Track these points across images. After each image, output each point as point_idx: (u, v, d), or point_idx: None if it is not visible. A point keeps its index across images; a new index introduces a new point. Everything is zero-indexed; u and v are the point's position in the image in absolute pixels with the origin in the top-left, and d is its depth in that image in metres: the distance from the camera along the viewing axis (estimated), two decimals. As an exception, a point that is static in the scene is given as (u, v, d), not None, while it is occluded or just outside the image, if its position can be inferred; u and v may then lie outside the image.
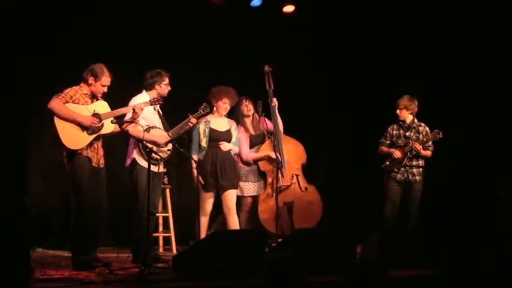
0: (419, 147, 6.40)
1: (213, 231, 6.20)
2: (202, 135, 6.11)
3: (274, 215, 6.13)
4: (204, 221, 6.09)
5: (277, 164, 6.22)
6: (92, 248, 5.30)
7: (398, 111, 6.55)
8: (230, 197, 6.09)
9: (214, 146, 6.11)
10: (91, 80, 5.27)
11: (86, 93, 5.28)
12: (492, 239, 5.74)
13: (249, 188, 6.38)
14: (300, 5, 7.47)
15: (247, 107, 6.51)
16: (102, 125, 5.26)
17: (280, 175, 6.35)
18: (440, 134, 6.39)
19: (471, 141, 7.19)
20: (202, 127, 6.12)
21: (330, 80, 7.73)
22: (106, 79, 5.29)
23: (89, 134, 5.21)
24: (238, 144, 6.29)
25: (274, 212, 6.12)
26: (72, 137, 5.14)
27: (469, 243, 5.28)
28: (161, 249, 7.04)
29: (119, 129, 5.39)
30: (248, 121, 6.53)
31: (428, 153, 6.52)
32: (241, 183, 6.34)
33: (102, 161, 5.39)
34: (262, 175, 6.48)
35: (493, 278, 3.81)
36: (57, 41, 6.82)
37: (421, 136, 6.48)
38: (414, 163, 6.49)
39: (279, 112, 6.58)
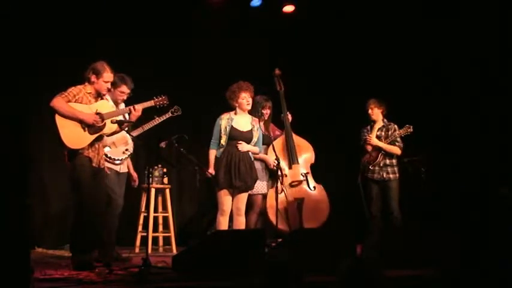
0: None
1: (213, 231, 6.18)
2: (223, 132, 5.88)
3: (281, 210, 6.22)
4: (223, 220, 5.82)
5: (278, 165, 6.18)
6: (92, 248, 5.29)
7: (370, 110, 6.70)
8: (241, 198, 5.89)
9: (233, 145, 5.87)
10: (93, 78, 5.24)
11: (90, 93, 5.26)
12: (492, 238, 5.75)
13: (258, 185, 6.20)
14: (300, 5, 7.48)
15: (267, 113, 6.53)
16: (104, 124, 5.23)
17: (288, 172, 6.54)
18: (411, 128, 6.50)
19: (471, 140, 7.20)
20: (224, 124, 5.89)
21: (327, 80, 7.73)
22: (108, 75, 5.27)
23: (91, 134, 5.18)
24: (260, 144, 6.07)
25: (282, 208, 6.23)
26: (73, 136, 5.11)
27: (469, 242, 5.28)
28: (161, 249, 7.05)
29: (119, 129, 5.38)
30: (262, 123, 6.33)
31: (395, 148, 6.59)
32: None
33: (102, 161, 5.37)
34: (270, 174, 6.45)
35: (493, 278, 3.81)
36: (57, 41, 6.82)
37: (389, 133, 6.60)
38: (388, 162, 6.58)
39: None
